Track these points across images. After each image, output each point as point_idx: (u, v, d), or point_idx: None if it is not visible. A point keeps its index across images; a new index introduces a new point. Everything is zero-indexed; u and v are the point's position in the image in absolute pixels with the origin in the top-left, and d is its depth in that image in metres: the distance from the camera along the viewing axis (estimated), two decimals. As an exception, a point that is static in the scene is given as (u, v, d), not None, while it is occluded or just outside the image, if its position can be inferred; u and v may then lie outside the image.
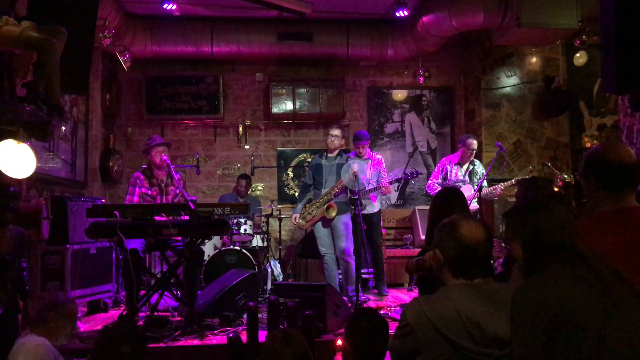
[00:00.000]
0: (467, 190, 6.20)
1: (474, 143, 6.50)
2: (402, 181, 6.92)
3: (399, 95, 8.42)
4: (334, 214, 5.99)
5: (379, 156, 6.63)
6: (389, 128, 8.40)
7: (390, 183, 6.35)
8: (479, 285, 2.02)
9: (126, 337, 2.31)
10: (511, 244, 1.99)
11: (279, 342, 2.16)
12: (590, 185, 2.38)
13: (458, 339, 1.89)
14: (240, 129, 8.09)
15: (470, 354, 1.88)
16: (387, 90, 8.41)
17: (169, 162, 5.36)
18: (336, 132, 6.21)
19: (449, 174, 6.57)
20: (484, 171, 6.49)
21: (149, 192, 5.41)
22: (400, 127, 8.41)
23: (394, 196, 8.34)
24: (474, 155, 6.54)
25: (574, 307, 1.70)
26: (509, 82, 7.81)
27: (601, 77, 5.20)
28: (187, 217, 4.62)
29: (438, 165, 6.88)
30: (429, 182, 6.84)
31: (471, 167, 6.53)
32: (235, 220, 6.54)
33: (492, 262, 3.55)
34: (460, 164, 6.57)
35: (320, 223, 6.11)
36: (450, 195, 3.40)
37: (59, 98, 3.76)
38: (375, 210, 6.56)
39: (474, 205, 5.92)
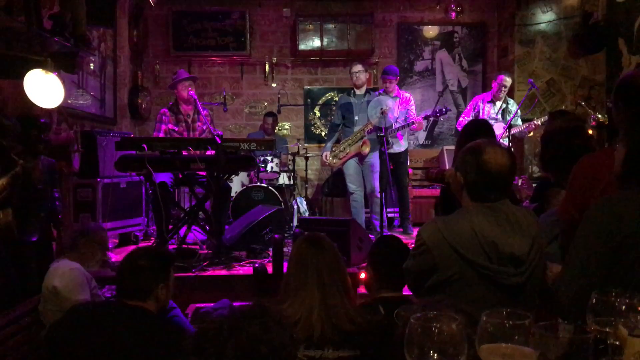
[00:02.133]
0: (499, 129, 6.10)
1: (507, 79, 6.34)
2: (431, 118, 6.82)
3: (430, 31, 8.20)
4: (368, 149, 5.97)
5: (407, 94, 6.51)
6: (419, 66, 8.23)
7: (421, 120, 6.26)
8: (496, 206, 2.01)
9: (146, 253, 2.38)
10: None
11: (307, 246, 2.15)
12: (619, 112, 2.31)
13: (473, 256, 1.90)
14: (267, 66, 8.01)
15: (484, 272, 1.90)
16: (417, 27, 8.19)
17: (195, 97, 5.37)
18: (358, 67, 6.11)
19: (481, 111, 6.44)
20: (518, 110, 6.34)
21: (176, 129, 5.44)
22: (431, 64, 8.23)
23: (422, 136, 8.26)
24: (506, 92, 6.39)
25: None
26: (544, 17, 7.52)
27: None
28: (213, 152, 4.66)
29: (470, 102, 6.75)
30: (460, 119, 6.73)
31: (504, 105, 6.39)
32: (262, 158, 6.58)
33: (516, 195, 3.52)
34: (493, 101, 6.43)
35: (350, 161, 6.09)
36: (479, 127, 3.34)
37: (85, 29, 3.76)
38: (403, 149, 6.50)
39: (504, 143, 5.83)
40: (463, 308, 1.18)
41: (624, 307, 1.06)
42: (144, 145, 4.53)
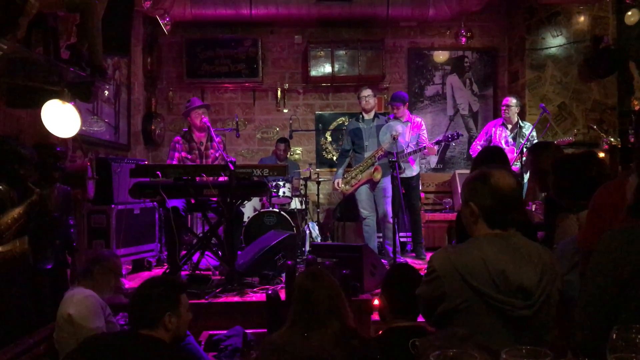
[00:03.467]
0: (512, 153, 6.10)
1: (512, 100, 6.40)
2: (443, 143, 6.83)
3: (440, 56, 8.25)
4: (379, 176, 5.98)
5: (418, 119, 6.54)
6: (430, 90, 8.27)
7: (433, 145, 6.27)
8: (506, 236, 2.01)
9: (154, 281, 2.40)
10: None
11: (308, 279, 2.23)
12: (638, 140, 2.31)
13: (481, 286, 1.89)
14: (279, 92, 8.09)
15: (492, 302, 1.89)
16: (428, 52, 8.25)
17: (209, 124, 5.42)
18: (367, 92, 6.15)
19: (493, 136, 6.45)
20: (534, 133, 6.34)
21: (189, 157, 5.49)
22: (442, 89, 8.27)
23: (433, 160, 8.26)
24: (513, 113, 6.41)
25: None
26: (554, 42, 7.56)
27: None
28: (226, 178, 4.69)
29: (484, 129, 6.77)
30: (473, 144, 6.74)
31: (517, 129, 6.40)
32: (274, 183, 6.61)
33: (532, 221, 3.51)
34: (504, 125, 6.45)
35: (362, 187, 6.10)
36: (492, 155, 3.34)
37: (101, 59, 3.83)
38: (414, 173, 6.51)
39: (516, 167, 5.82)
40: (480, 342, 1.17)
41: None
42: (158, 172, 4.58)
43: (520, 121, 6.44)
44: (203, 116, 5.45)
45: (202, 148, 5.58)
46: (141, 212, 5.75)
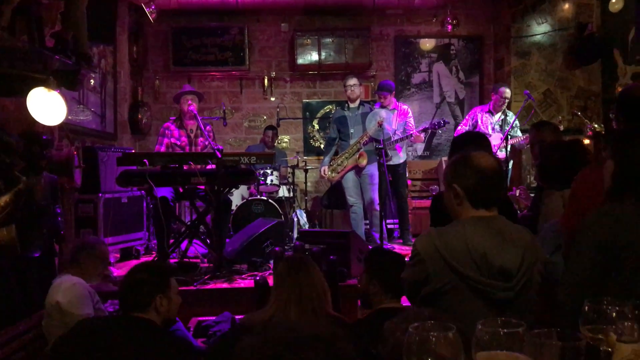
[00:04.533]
0: (497, 139, 6.16)
1: (507, 91, 6.42)
2: (429, 131, 6.88)
3: (427, 44, 8.28)
4: (365, 162, 6.02)
5: (405, 106, 6.57)
6: (416, 78, 8.30)
7: (419, 132, 6.31)
8: (489, 219, 2.05)
9: (143, 266, 2.46)
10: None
11: (289, 267, 2.27)
12: (619, 125, 2.37)
13: (463, 269, 1.93)
14: (266, 80, 8.09)
15: (474, 284, 1.93)
16: (414, 40, 8.27)
17: (195, 112, 5.41)
18: (352, 81, 6.18)
19: (479, 121, 6.49)
20: (517, 122, 6.40)
21: (178, 142, 5.49)
22: (428, 77, 8.30)
23: (420, 147, 8.31)
24: (506, 104, 6.46)
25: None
26: (539, 29, 7.61)
27: (638, 21, 5.05)
28: (214, 166, 4.71)
29: (469, 113, 6.80)
30: (459, 128, 6.78)
31: (503, 116, 6.45)
32: (261, 171, 6.63)
33: (514, 206, 3.57)
34: (491, 112, 6.50)
35: (349, 174, 6.14)
36: (471, 139, 3.38)
37: (86, 47, 3.82)
38: (401, 161, 6.56)
39: (501, 154, 5.88)
40: (446, 321, 1.21)
41: (614, 314, 1.10)
42: (145, 160, 4.58)
43: (506, 109, 6.50)
44: (190, 103, 5.45)
45: (192, 135, 5.58)
46: (129, 200, 5.75)
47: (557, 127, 3.69)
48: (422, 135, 6.34)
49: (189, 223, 5.40)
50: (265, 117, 8.16)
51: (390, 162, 6.30)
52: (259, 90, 8.17)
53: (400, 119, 6.42)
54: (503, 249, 1.99)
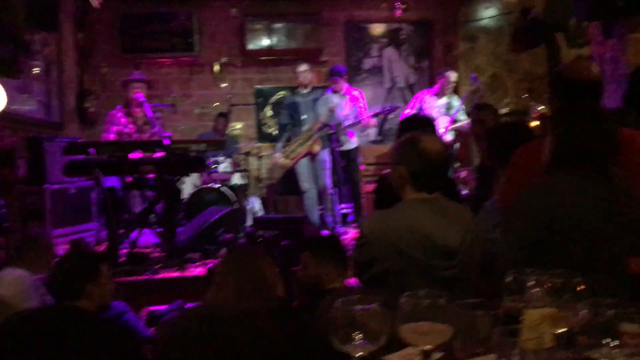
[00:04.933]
0: (444, 123, 6.27)
1: (453, 76, 6.54)
2: (381, 116, 6.94)
3: (377, 29, 8.32)
4: (318, 148, 6.05)
5: (356, 92, 6.62)
6: (368, 63, 8.34)
7: (370, 117, 6.37)
8: (432, 200, 2.11)
9: (72, 254, 2.45)
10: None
11: (242, 254, 2.27)
12: (552, 104, 2.45)
13: (408, 249, 1.99)
14: (217, 67, 7.99)
15: (419, 264, 1.99)
16: (364, 25, 8.30)
17: (142, 99, 5.33)
18: (303, 67, 6.20)
19: (424, 105, 6.60)
20: (463, 106, 6.53)
21: (125, 130, 5.40)
22: (379, 62, 8.36)
23: (373, 132, 8.37)
24: (452, 88, 6.58)
25: (574, 211, 1.79)
26: (486, 13, 7.75)
27: (572, 4, 5.22)
28: (163, 154, 4.66)
29: (415, 96, 6.89)
30: (404, 112, 6.86)
31: (448, 100, 6.57)
32: (214, 159, 6.58)
33: (457, 187, 3.66)
34: (438, 95, 6.60)
35: (302, 160, 6.16)
36: (417, 122, 3.45)
37: (23, 33, 3.71)
38: (354, 146, 6.61)
39: (449, 137, 6.00)
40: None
41: (532, 283, 1.15)
42: (91, 149, 4.50)
43: (451, 93, 6.62)
44: (137, 90, 5.36)
45: (140, 123, 5.49)
46: (77, 191, 5.62)
47: (497, 110, 3.84)
48: (373, 120, 6.41)
49: (138, 213, 5.33)
50: (217, 104, 8.07)
51: (343, 148, 6.35)
52: (209, 77, 8.07)
53: (352, 104, 6.47)
54: (446, 228, 2.05)
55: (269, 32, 7.77)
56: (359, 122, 6.29)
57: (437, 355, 1.12)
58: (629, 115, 3.49)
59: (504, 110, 6.63)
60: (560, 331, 1.02)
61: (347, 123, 6.25)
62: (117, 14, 7.64)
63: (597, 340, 0.97)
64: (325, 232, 5.70)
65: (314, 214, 6.20)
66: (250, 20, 7.78)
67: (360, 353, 1.03)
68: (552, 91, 2.41)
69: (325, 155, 6.05)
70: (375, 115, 6.40)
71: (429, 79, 8.32)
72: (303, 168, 6.17)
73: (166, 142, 4.53)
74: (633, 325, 0.97)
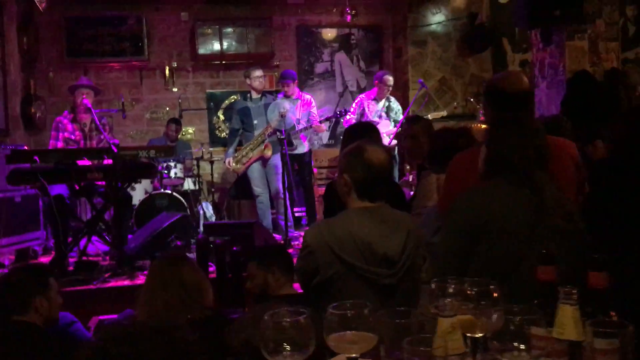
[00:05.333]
0: (386, 127, 6.39)
1: (390, 79, 6.67)
2: (333, 120, 7.02)
3: (328, 34, 8.41)
4: (270, 153, 6.08)
5: (308, 96, 6.68)
6: (319, 68, 8.42)
7: (321, 122, 6.45)
8: (375, 208, 2.17)
9: (19, 268, 2.43)
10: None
11: (165, 265, 2.30)
12: (487, 113, 2.55)
13: (350, 258, 2.05)
14: (167, 71, 7.93)
15: (360, 272, 2.05)
16: (316, 30, 8.38)
17: (89, 105, 5.26)
18: (258, 72, 6.22)
19: (366, 109, 6.71)
20: (400, 107, 6.68)
21: (72, 137, 5.32)
22: (330, 66, 8.44)
23: (325, 136, 8.46)
24: (389, 91, 6.70)
25: (503, 217, 1.87)
26: (434, 19, 7.93)
27: (513, 12, 5.41)
28: (111, 161, 4.61)
29: (355, 102, 6.98)
30: (347, 117, 6.92)
31: (387, 103, 6.70)
32: (165, 164, 6.53)
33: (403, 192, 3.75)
34: (376, 99, 6.72)
35: (254, 165, 6.18)
36: (364, 130, 3.52)
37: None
38: (306, 150, 6.66)
39: (394, 141, 6.12)
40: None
41: (452, 291, 1.22)
42: (35, 157, 4.41)
43: (389, 96, 6.75)
44: (84, 96, 5.28)
45: (87, 130, 5.41)
46: (23, 199, 5.48)
47: (430, 124, 3.86)
48: (324, 125, 6.49)
49: (87, 220, 5.25)
50: (167, 109, 8.00)
51: (295, 152, 6.40)
52: (160, 81, 8.00)
53: (304, 108, 6.52)
54: (386, 237, 2.11)
55: (220, 37, 7.75)
56: (310, 127, 6.35)
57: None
58: (564, 123, 3.66)
59: (443, 114, 6.80)
60: (476, 336, 1.09)
61: (299, 127, 6.31)
62: (64, 17, 7.50)
63: (508, 344, 1.04)
64: (278, 236, 5.73)
65: (267, 219, 6.23)
66: (201, 25, 7.75)
67: (289, 363, 1.07)
68: (485, 101, 2.51)
69: (277, 160, 6.08)
70: (327, 119, 6.48)
71: (380, 83, 8.45)
72: (255, 173, 6.19)
73: (114, 149, 4.48)
74: (541, 329, 1.05)
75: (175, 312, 2.10)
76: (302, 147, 6.59)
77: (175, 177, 6.63)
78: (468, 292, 1.18)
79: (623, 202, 2.30)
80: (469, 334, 1.13)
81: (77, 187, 4.96)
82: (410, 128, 3.77)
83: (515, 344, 1.04)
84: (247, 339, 1.35)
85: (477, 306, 1.14)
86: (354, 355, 1.11)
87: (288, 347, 1.07)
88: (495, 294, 1.16)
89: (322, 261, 2.09)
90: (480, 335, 1.12)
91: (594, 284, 1.09)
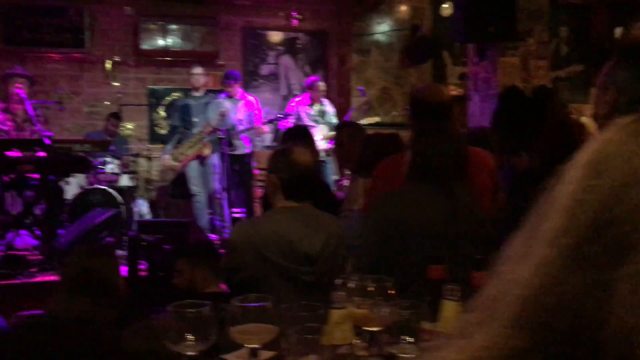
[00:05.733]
0: (322, 131, 6.50)
1: (322, 85, 6.83)
2: (276, 122, 7.06)
3: (275, 37, 8.45)
4: (208, 151, 6.07)
5: (251, 97, 6.71)
6: (264, 70, 8.44)
7: (263, 124, 6.49)
8: (299, 208, 2.25)
9: None
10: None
11: (80, 257, 2.30)
12: (410, 121, 2.66)
13: (272, 256, 2.11)
14: (109, 64, 7.79)
15: (282, 270, 2.12)
16: (262, 32, 8.40)
17: (23, 95, 5.13)
18: (198, 70, 6.24)
19: (301, 114, 6.80)
20: (333, 110, 6.81)
21: (3, 127, 5.17)
22: (275, 69, 8.48)
23: (268, 138, 8.47)
24: (322, 96, 6.83)
25: (415, 219, 1.97)
26: (378, 29, 8.10)
27: (451, 27, 5.61)
28: (45, 154, 4.51)
29: (289, 108, 7.06)
30: (283, 121, 6.96)
31: (321, 107, 6.82)
32: (101, 159, 6.40)
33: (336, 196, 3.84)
34: (310, 105, 6.83)
35: (192, 163, 6.16)
36: (299, 132, 3.60)
37: None
38: (248, 151, 6.69)
39: (328, 145, 6.23)
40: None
41: (355, 288, 1.30)
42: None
43: (321, 99, 6.89)
44: (18, 86, 5.14)
45: (19, 120, 5.27)
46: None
47: (360, 129, 3.90)
48: (266, 127, 6.53)
49: (16, 213, 5.11)
50: (108, 103, 7.85)
51: (236, 152, 6.41)
52: (101, 75, 7.83)
53: (247, 109, 6.54)
54: (308, 236, 2.19)
55: (165, 33, 7.68)
56: (252, 128, 6.38)
57: (268, 354, 1.24)
58: (490, 134, 3.83)
59: (371, 121, 6.98)
60: (372, 329, 1.17)
61: (240, 128, 6.32)
62: (2, 3, 7.26)
63: (397, 338, 1.12)
64: (215, 237, 5.73)
65: (204, 218, 6.21)
66: (145, 20, 7.66)
67: (192, 352, 1.12)
68: (409, 111, 2.63)
69: (216, 159, 6.09)
70: (269, 122, 6.53)
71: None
72: (193, 171, 6.17)
73: (46, 141, 4.39)
74: (428, 324, 1.13)
75: (86, 304, 2.10)
76: (244, 148, 6.60)
77: (111, 173, 6.51)
78: (368, 288, 1.26)
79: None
80: (364, 327, 1.20)
81: (6, 179, 4.84)
82: (337, 135, 3.86)
83: (404, 337, 1.12)
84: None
85: (373, 301, 1.21)
86: (255, 345, 1.16)
87: (190, 337, 1.11)
88: (390, 291, 1.24)
89: (245, 258, 2.15)
90: (376, 329, 1.20)
91: (476, 285, 1.18)
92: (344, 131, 3.68)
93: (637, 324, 0.35)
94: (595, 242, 0.39)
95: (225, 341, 1.22)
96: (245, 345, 1.17)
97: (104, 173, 6.45)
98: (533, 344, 0.40)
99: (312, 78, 6.97)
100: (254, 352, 1.16)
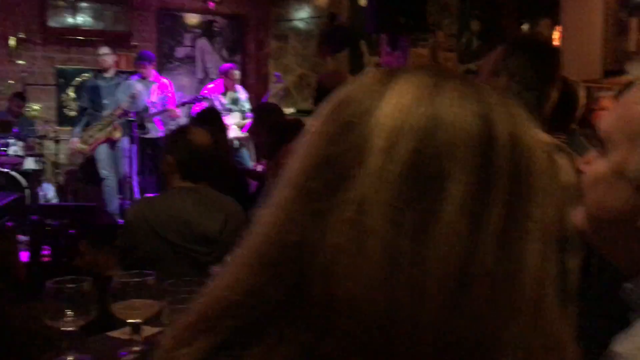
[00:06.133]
0: (235, 118, 6.48)
1: (236, 73, 6.80)
2: (190, 105, 6.94)
3: (191, 19, 8.29)
4: (119, 135, 5.91)
5: (165, 80, 6.58)
6: (180, 52, 8.28)
7: (177, 107, 6.38)
8: (196, 189, 2.26)
9: None
10: None
11: None
12: (315, 107, 2.72)
13: (167, 235, 2.12)
14: (12, 41, 7.37)
15: (179, 250, 2.13)
16: (178, 13, 8.22)
17: None
18: (105, 50, 6.07)
19: (214, 102, 6.75)
20: (246, 97, 6.81)
21: None
22: (191, 52, 8.34)
23: (183, 122, 8.32)
24: (236, 83, 6.81)
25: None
26: (297, 15, 8.12)
27: (365, 17, 5.72)
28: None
29: (202, 94, 6.99)
30: (196, 108, 6.88)
31: (234, 94, 6.80)
32: (3, 141, 6.09)
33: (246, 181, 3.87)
34: (223, 92, 6.80)
35: (102, 146, 5.98)
36: (209, 115, 3.58)
37: None
38: (161, 134, 6.55)
39: (240, 132, 6.23)
40: None
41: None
42: None
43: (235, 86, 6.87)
44: None
45: None
46: None
47: (276, 110, 3.92)
48: (179, 110, 6.43)
49: None
50: (12, 82, 7.44)
51: (149, 135, 6.28)
52: (3, 52, 7.42)
53: (160, 92, 6.41)
54: (206, 216, 2.20)
55: (74, 11, 7.36)
56: (165, 111, 6.26)
57: (153, 330, 1.26)
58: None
59: (287, 111, 7.03)
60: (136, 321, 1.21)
61: (153, 111, 6.19)
62: None
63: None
64: (122, 221, 5.59)
65: (114, 203, 6.06)
66: (53, -4, 7.31)
67: (70, 328, 1.12)
68: (314, 96, 2.69)
69: (126, 143, 5.94)
70: (183, 104, 6.42)
71: (242, 73, 8.49)
72: (102, 155, 6.00)
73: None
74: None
75: None
76: (156, 132, 6.47)
77: (14, 155, 6.21)
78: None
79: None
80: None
81: None
82: (252, 119, 3.88)
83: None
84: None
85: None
86: (137, 320, 1.18)
87: (69, 313, 1.12)
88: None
89: (140, 237, 2.14)
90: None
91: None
92: (254, 119, 3.70)
93: (339, 243, 0.42)
94: (317, 177, 0.46)
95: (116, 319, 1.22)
96: (128, 320, 1.18)
97: (6, 155, 6.15)
98: (269, 277, 0.45)
99: (227, 65, 6.91)
100: (136, 328, 1.18)
